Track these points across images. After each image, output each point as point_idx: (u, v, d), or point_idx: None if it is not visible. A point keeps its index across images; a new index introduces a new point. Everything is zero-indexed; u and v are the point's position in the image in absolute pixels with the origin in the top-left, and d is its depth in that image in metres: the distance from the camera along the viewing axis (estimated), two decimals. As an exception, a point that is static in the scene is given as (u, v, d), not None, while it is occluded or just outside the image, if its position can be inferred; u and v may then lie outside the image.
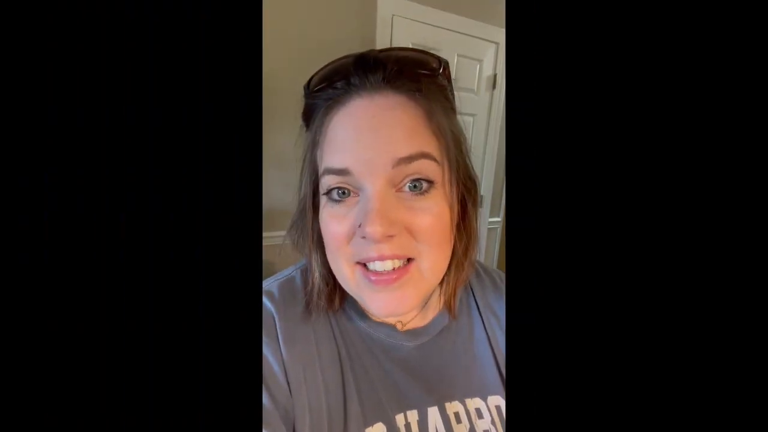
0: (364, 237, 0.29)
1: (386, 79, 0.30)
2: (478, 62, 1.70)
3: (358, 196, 0.30)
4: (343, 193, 0.30)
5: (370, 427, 0.32)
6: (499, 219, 2.07)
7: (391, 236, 0.29)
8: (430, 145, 0.30)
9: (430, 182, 0.30)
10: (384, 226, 0.27)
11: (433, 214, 0.30)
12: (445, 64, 0.34)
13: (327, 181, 0.31)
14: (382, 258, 0.29)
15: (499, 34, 1.70)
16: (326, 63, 0.33)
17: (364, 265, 0.31)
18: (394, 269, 0.30)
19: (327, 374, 0.34)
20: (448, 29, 1.54)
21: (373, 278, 0.30)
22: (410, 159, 0.29)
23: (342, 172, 0.29)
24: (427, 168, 0.29)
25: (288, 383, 0.33)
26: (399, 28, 1.43)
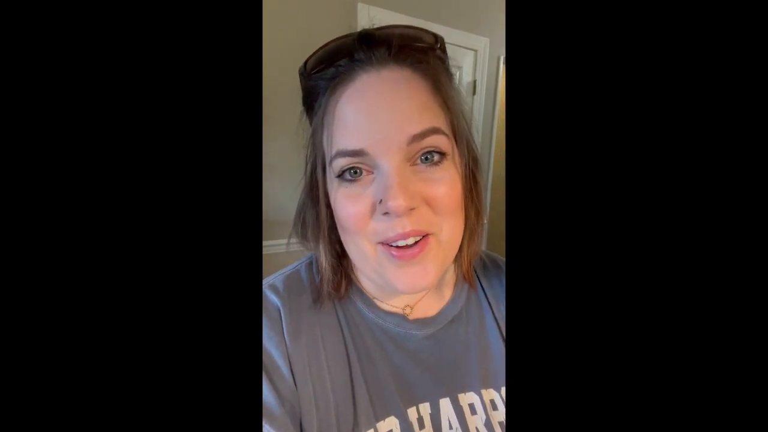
0: (386, 213, 0.29)
1: (391, 53, 0.30)
2: (458, 69, 1.73)
3: (372, 173, 0.30)
4: (355, 172, 0.30)
5: (382, 421, 0.32)
6: (484, 221, 2.09)
7: (412, 209, 0.29)
8: (439, 119, 0.30)
9: (442, 154, 0.30)
10: (406, 199, 0.28)
11: (447, 184, 0.30)
12: (441, 40, 0.34)
13: (339, 163, 0.30)
14: (404, 236, 0.29)
15: (478, 42, 1.74)
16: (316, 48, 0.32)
17: (388, 242, 0.31)
18: (416, 243, 0.30)
19: (333, 367, 0.33)
20: (427, 37, 1.56)
21: (395, 253, 0.30)
22: (423, 135, 0.29)
23: (357, 153, 0.29)
24: (439, 141, 0.30)
25: (293, 377, 0.32)
26: (379, 37, 1.45)
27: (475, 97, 1.83)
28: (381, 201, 0.29)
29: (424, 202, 0.30)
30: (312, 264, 0.40)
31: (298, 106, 0.36)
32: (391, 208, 0.28)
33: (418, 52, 0.32)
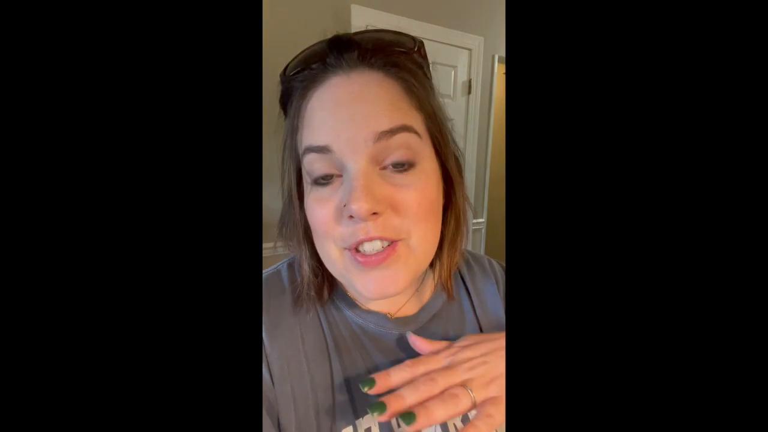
0: (351, 216, 0.28)
1: (361, 57, 0.31)
2: (453, 68, 1.73)
3: (341, 176, 0.30)
4: (329, 176, 0.30)
5: (361, 419, 0.32)
6: (482, 220, 2.10)
7: (376, 214, 0.28)
8: (411, 119, 0.30)
9: (412, 164, 0.30)
10: (369, 202, 0.27)
11: (418, 189, 0.30)
12: (419, 44, 0.34)
13: (309, 161, 0.30)
14: (369, 239, 0.29)
15: (472, 41, 1.74)
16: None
17: (354, 248, 0.30)
18: (382, 248, 0.30)
19: (313, 366, 0.33)
20: (421, 38, 1.57)
21: (361, 260, 0.30)
22: (392, 132, 0.28)
23: (322, 149, 0.29)
24: (409, 141, 0.30)
25: (270, 375, 0.32)
26: (373, 38, 1.45)
27: (471, 96, 1.83)
28: (345, 204, 0.28)
29: (390, 207, 0.29)
30: (294, 264, 0.39)
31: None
32: (354, 211, 0.27)
33: (391, 56, 0.32)
